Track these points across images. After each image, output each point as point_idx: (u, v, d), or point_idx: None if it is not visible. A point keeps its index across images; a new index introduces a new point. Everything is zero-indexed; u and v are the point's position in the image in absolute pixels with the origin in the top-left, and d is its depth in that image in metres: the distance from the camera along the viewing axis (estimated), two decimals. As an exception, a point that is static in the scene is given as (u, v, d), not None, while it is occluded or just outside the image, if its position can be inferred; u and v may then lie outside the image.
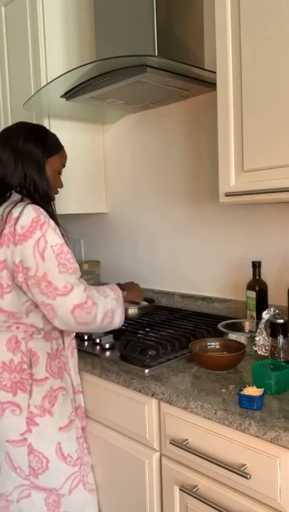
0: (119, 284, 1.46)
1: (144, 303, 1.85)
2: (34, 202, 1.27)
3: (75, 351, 1.42)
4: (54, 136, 1.41)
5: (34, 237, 1.20)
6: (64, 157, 1.43)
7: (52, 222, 1.25)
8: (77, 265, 1.26)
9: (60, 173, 1.43)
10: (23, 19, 1.93)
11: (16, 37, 2.01)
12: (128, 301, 1.53)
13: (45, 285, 1.20)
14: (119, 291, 1.38)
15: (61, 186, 1.46)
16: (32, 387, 1.27)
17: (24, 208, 1.22)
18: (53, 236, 1.22)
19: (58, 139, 1.42)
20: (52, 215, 1.28)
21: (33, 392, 1.27)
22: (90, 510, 1.39)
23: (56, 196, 1.45)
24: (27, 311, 1.27)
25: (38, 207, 1.24)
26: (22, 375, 1.26)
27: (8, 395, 1.25)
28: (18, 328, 1.27)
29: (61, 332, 1.37)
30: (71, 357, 1.39)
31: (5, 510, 1.29)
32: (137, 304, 1.62)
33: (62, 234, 1.28)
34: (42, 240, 1.20)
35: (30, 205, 1.23)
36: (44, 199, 1.31)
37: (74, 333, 1.42)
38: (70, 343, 1.40)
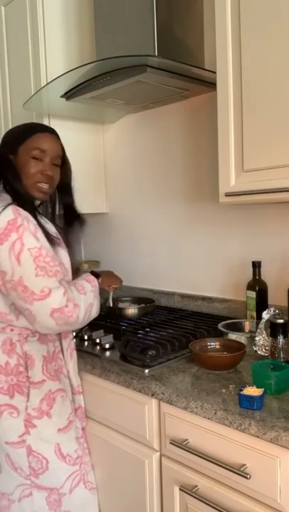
0: (93, 272, 1.42)
1: (119, 304, 1.86)
2: (18, 203, 1.23)
3: (75, 353, 1.41)
4: (25, 125, 1.36)
5: (10, 240, 1.16)
6: (36, 140, 1.30)
7: (32, 224, 1.20)
8: (58, 268, 1.22)
9: (37, 159, 1.30)
10: (23, 19, 1.93)
11: (16, 37, 2.01)
12: (105, 288, 1.51)
13: (22, 289, 1.17)
14: (95, 281, 1.36)
15: (42, 173, 1.30)
16: (29, 389, 1.26)
17: (3, 209, 1.19)
18: (31, 239, 1.18)
19: (30, 126, 1.35)
20: (35, 215, 1.25)
21: (31, 395, 1.26)
22: (91, 508, 1.39)
23: None
24: (16, 314, 1.25)
25: (19, 208, 1.20)
26: (19, 377, 1.25)
27: (5, 398, 1.24)
28: (12, 330, 1.26)
29: (58, 334, 1.35)
30: (70, 358, 1.38)
31: (6, 509, 1.29)
32: (115, 288, 1.57)
33: (47, 235, 1.25)
34: (18, 242, 1.16)
35: (10, 207, 1.19)
36: (24, 199, 1.26)
37: (72, 335, 1.41)
38: (69, 344, 1.39)
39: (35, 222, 1.22)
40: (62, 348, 1.36)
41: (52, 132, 1.36)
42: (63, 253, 1.34)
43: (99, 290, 1.37)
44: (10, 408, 1.24)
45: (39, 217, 1.28)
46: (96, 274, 1.41)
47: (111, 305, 1.83)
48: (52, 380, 1.30)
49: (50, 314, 1.18)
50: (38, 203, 1.38)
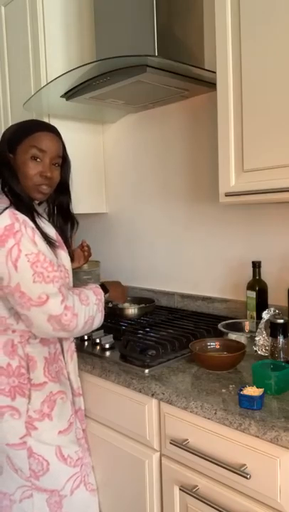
0: (103, 285, 1.39)
1: (127, 304, 1.86)
2: (16, 206, 1.21)
3: (75, 355, 1.40)
4: (25, 123, 1.32)
5: (7, 246, 1.13)
6: (35, 140, 1.26)
7: (30, 228, 1.18)
8: (57, 273, 1.20)
9: (36, 159, 1.26)
10: (23, 19, 1.93)
11: (16, 37, 2.01)
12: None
13: (19, 296, 1.16)
14: (102, 295, 1.33)
15: (41, 175, 1.27)
16: (31, 391, 1.25)
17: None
18: (28, 244, 1.16)
19: (29, 125, 1.30)
20: (34, 217, 1.23)
21: (32, 397, 1.25)
22: (92, 510, 1.39)
23: None
24: (16, 318, 1.23)
25: (17, 212, 1.18)
26: (20, 379, 1.24)
27: (6, 399, 1.23)
28: (13, 332, 1.25)
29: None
30: (70, 360, 1.37)
31: (8, 509, 1.29)
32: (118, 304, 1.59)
33: (46, 238, 1.23)
34: (15, 248, 1.14)
35: (6, 211, 1.16)
36: (22, 201, 1.23)
37: (72, 338, 1.38)
38: (70, 346, 1.37)
39: (33, 226, 1.20)
40: (62, 350, 1.35)
41: (52, 130, 1.31)
42: (64, 255, 1.32)
43: (104, 303, 1.34)
44: (11, 410, 1.23)
45: (38, 220, 1.25)
46: (105, 288, 1.38)
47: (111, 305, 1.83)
48: (53, 382, 1.29)
49: (47, 320, 1.17)
50: (37, 202, 1.37)
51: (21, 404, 1.24)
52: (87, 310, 1.25)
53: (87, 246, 1.68)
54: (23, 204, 1.23)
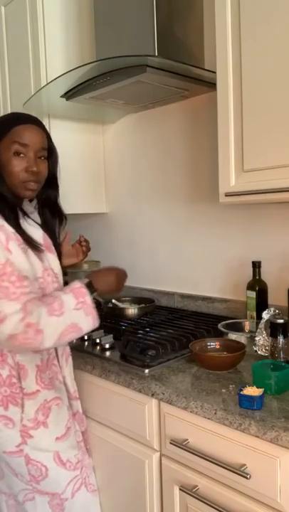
0: (90, 276, 1.24)
1: (119, 304, 1.84)
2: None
3: (70, 358, 1.37)
4: (3, 118, 1.26)
5: None
6: (16, 134, 1.19)
7: (3, 234, 1.11)
8: (26, 289, 1.10)
9: (19, 154, 1.20)
10: (23, 19, 1.93)
11: (16, 37, 2.01)
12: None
13: None
14: (86, 295, 1.17)
15: (27, 170, 1.20)
16: (23, 400, 1.21)
17: None
18: None
19: (8, 120, 1.24)
20: (17, 219, 1.17)
21: (25, 406, 1.20)
22: (93, 510, 1.39)
23: None
24: None
25: None
26: (12, 388, 1.20)
27: None
28: None
29: None
30: (66, 364, 1.34)
31: (14, 508, 1.31)
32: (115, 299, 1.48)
33: (29, 241, 1.17)
34: None
35: None
36: (6, 202, 1.18)
37: None
38: (64, 350, 1.34)
39: (9, 231, 1.13)
40: (57, 355, 1.31)
41: (33, 122, 1.24)
42: (52, 258, 1.27)
43: (97, 301, 1.23)
44: (5, 419, 1.19)
45: (22, 222, 1.20)
46: (90, 285, 1.20)
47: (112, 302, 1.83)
48: (47, 389, 1.24)
49: (7, 339, 1.08)
50: (28, 199, 1.31)
51: (14, 414, 1.20)
52: (62, 320, 1.12)
53: (86, 241, 1.62)
54: (7, 205, 1.17)
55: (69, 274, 1.55)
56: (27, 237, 1.18)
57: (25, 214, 1.24)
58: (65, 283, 1.32)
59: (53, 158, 1.31)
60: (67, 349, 1.36)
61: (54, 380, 1.28)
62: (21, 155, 1.20)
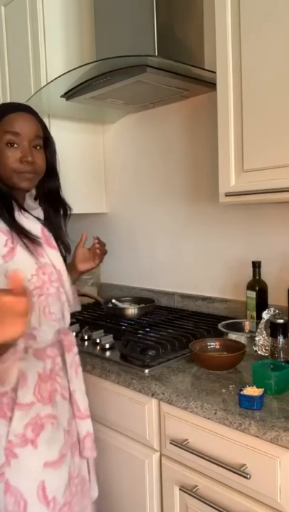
0: None
1: (119, 304, 1.78)
2: None
3: (80, 369, 1.20)
4: None
5: None
6: (7, 123, 1.12)
7: None
8: None
9: (12, 145, 1.12)
10: (23, 19, 1.93)
11: (16, 37, 2.01)
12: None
13: None
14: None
15: (21, 161, 1.12)
16: (14, 411, 1.04)
17: None
18: None
19: None
20: (11, 211, 1.09)
21: (14, 418, 1.04)
22: None
23: None
24: None
25: None
26: (3, 398, 1.05)
27: None
28: None
29: (61, 348, 1.16)
30: (75, 376, 1.17)
31: None
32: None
33: (25, 234, 1.09)
34: None
35: None
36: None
37: (76, 349, 1.19)
38: (73, 360, 1.17)
39: None
40: (65, 365, 1.17)
41: (24, 109, 1.16)
42: (53, 253, 1.16)
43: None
44: None
45: (17, 215, 1.11)
46: None
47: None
48: (42, 403, 1.08)
49: None
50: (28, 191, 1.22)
51: (1, 427, 1.04)
52: None
53: (100, 243, 1.44)
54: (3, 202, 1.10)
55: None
56: (23, 230, 1.09)
57: (21, 207, 1.14)
58: None
59: (51, 149, 1.23)
60: (77, 358, 1.19)
61: (53, 396, 1.12)
62: (15, 145, 1.12)
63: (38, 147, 1.16)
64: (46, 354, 1.13)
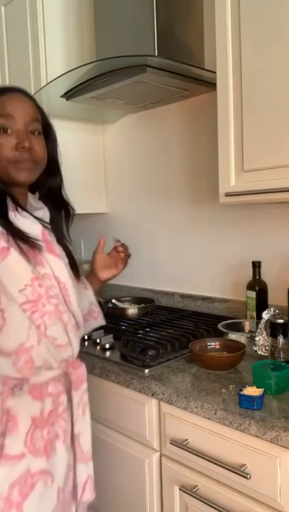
0: None
1: (119, 304, 1.77)
2: None
3: (88, 408, 1.03)
4: None
5: None
6: None
7: None
8: None
9: (6, 131, 0.95)
10: (23, 19, 1.93)
11: (16, 37, 2.01)
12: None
13: None
14: None
15: (17, 148, 0.95)
16: None
17: None
18: None
19: None
20: (5, 210, 0.94)
21: None
22: None
23: None
24: None
25: None
26: None
27: None
28: None
29: (68, 384, 0.98)
30: (82, 415, 1.01)
31: None
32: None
33: (22, 237, 0.93)
34: None
35: None
36: None
37: (85, 385, 1.03)
38: (81, 398, 1.00)
39: None
40: (71, 404, 1.00)
41: (18, 90, 1.00)
42: (56, 262, 0.99)
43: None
44: None
45: (14, 214, 0.95)
46: None
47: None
48: (35, 456, 0.90)
49: None
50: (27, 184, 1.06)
51: None
52: None
53: (123, 245, 1.29)
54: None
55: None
56: (17, 233, 0.92)
57: (18, 205, 0.97)
58: None
59: (51, 138, 1.07)
60: (85, 397, 1.03)
61: (50, 446, 0.94)
62: (8, 130, 0.95)
63: (37, 133, 1.00)
64: (47, 392, 0.95)
